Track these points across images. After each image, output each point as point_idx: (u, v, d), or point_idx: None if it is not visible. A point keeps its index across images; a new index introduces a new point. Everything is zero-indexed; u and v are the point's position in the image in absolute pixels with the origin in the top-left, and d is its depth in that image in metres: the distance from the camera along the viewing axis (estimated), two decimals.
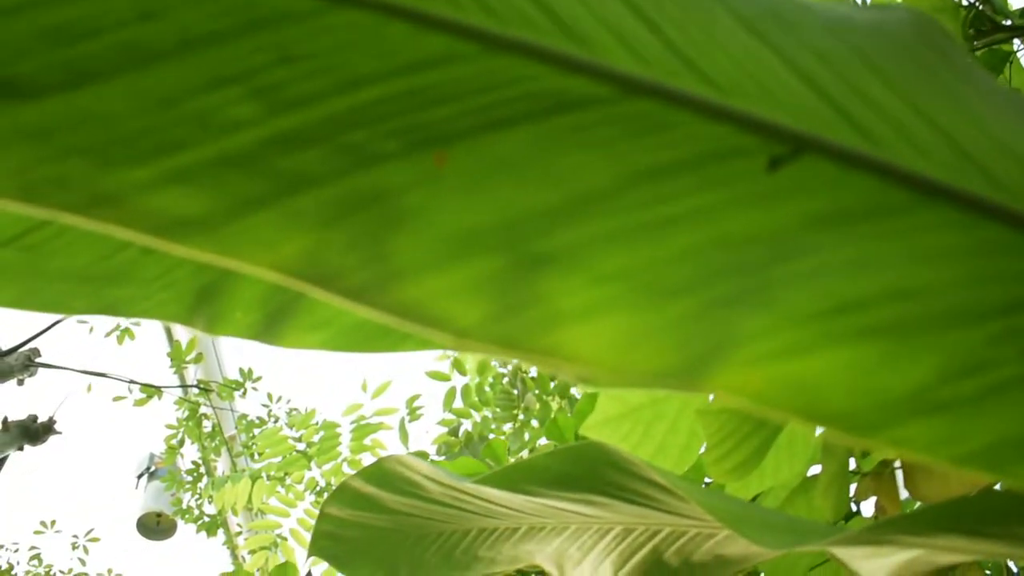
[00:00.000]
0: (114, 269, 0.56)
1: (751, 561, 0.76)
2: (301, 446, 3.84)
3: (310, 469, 3.76)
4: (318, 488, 3.83)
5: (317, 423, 3.68)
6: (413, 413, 3.74)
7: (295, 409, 4.44)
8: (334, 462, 3.66)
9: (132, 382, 4.79)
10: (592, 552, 0.81)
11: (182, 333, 5.79)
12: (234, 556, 6.32)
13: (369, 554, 0.90)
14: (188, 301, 0.55)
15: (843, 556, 0.61)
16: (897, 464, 1.01)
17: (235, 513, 3.94)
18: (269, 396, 4.79)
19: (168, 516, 5.46)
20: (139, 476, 5.74)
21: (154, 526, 5.55)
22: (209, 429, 4.82)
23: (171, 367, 4.78)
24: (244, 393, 4.73)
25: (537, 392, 3.82)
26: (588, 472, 0.71)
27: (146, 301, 0.56)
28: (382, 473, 0.85)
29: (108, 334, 5.07)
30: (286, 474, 3.73)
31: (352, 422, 3.58)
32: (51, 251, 0.57)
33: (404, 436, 3.60)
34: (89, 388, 5.02)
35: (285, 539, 3.85)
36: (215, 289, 0.54)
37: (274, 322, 0.52)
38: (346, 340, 0.53)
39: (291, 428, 3.65)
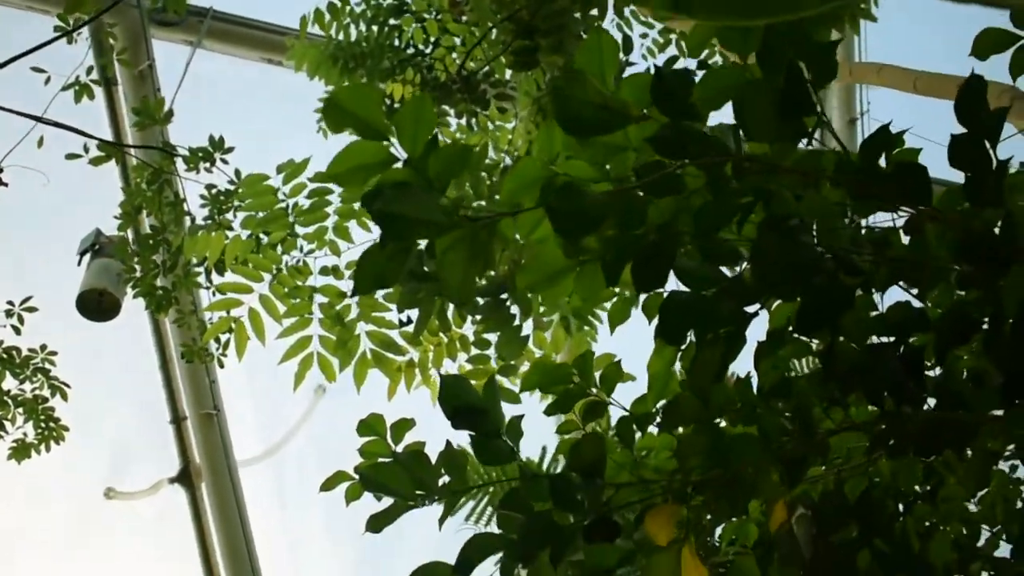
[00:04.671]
0: None
1: None
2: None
3: (294, 235, 3.47)
4: (297, 258, 3.55)
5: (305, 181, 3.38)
6: None
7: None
8: (319, 224, 3.38)
9: (91, 137, 4.40)
10: None
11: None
12: (160, 344, 6.08)
13: None
14: None
15: None
16: None
17: (208, 271, 3.64)
18: (237, 173, 4.46)
19: (111, 294, 5.13)
20: (82, 253, 5.38)
21: (95, 305, 5.22)
22: (171, 200, 4.47)
23: (135, 124, 4.40)
24: (212, 164, 4.38)
25: None
26: None
27: None
28: None
29: (65, 87, 4.66)
30: (264, 233, 3.45)
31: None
32: None
33: None
34: (40, 143, 4.60)
35: (255, 311, 3.59)
36: None
37: None
38: None
39: (279, 177, 3.34)
